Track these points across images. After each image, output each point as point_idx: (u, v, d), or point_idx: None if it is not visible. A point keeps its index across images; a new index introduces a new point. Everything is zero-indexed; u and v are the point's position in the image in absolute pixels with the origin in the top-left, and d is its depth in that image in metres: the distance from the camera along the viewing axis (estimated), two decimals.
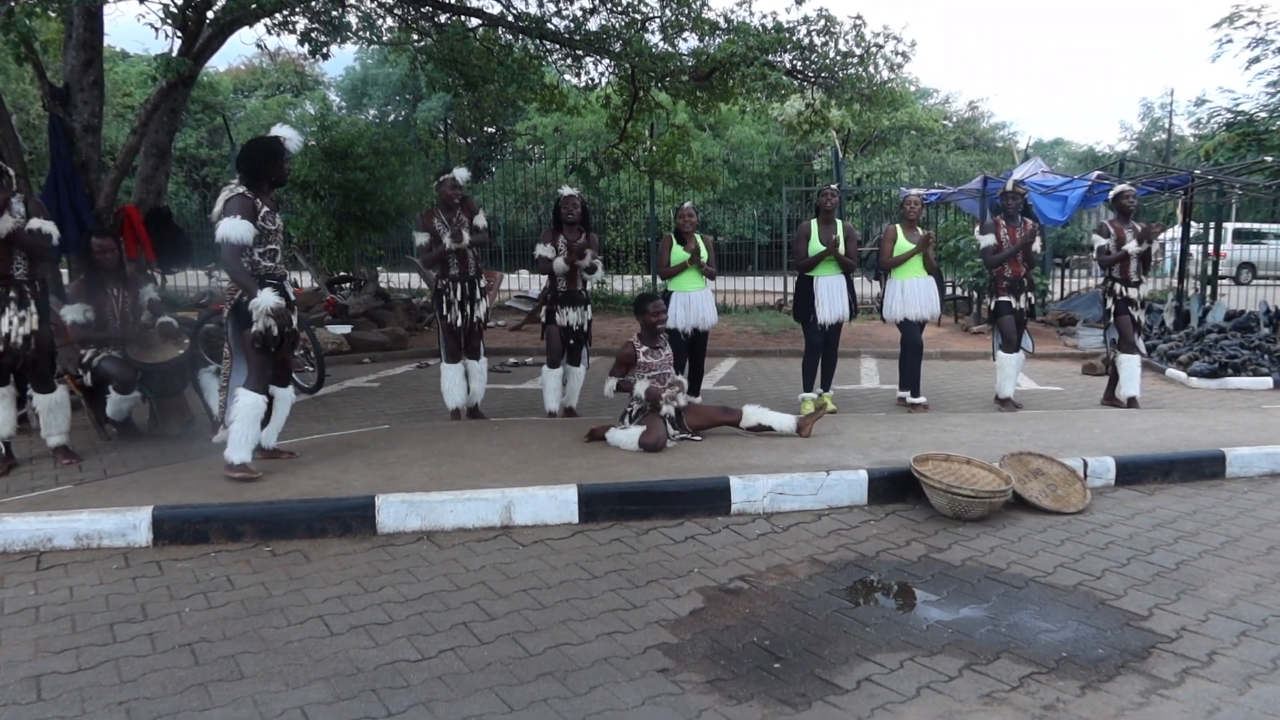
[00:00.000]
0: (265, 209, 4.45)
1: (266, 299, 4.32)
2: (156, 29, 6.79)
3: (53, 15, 6.87)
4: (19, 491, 4.40)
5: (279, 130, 4.50)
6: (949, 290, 12.92)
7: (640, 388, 5.25)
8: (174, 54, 6.40)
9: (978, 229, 7.88)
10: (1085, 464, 4.80)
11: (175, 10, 6.53)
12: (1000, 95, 72.37)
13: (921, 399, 6.82)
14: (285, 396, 4.80)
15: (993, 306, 6.98)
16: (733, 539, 4.04)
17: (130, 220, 7.54)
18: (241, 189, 4.37)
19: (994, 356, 6.99)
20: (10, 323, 4.71)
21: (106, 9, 7.20)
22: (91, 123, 7.35)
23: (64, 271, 7.88)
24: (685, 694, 2.68)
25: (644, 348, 5.42)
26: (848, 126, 24.63)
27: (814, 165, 27.32)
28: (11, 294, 4.71)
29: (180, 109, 8.56)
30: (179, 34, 6.73)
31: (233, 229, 4.27)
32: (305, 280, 13.29)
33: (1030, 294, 6.93)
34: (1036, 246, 6.84)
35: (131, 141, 7.32)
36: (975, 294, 12.99)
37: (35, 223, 4.73)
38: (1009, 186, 6.97)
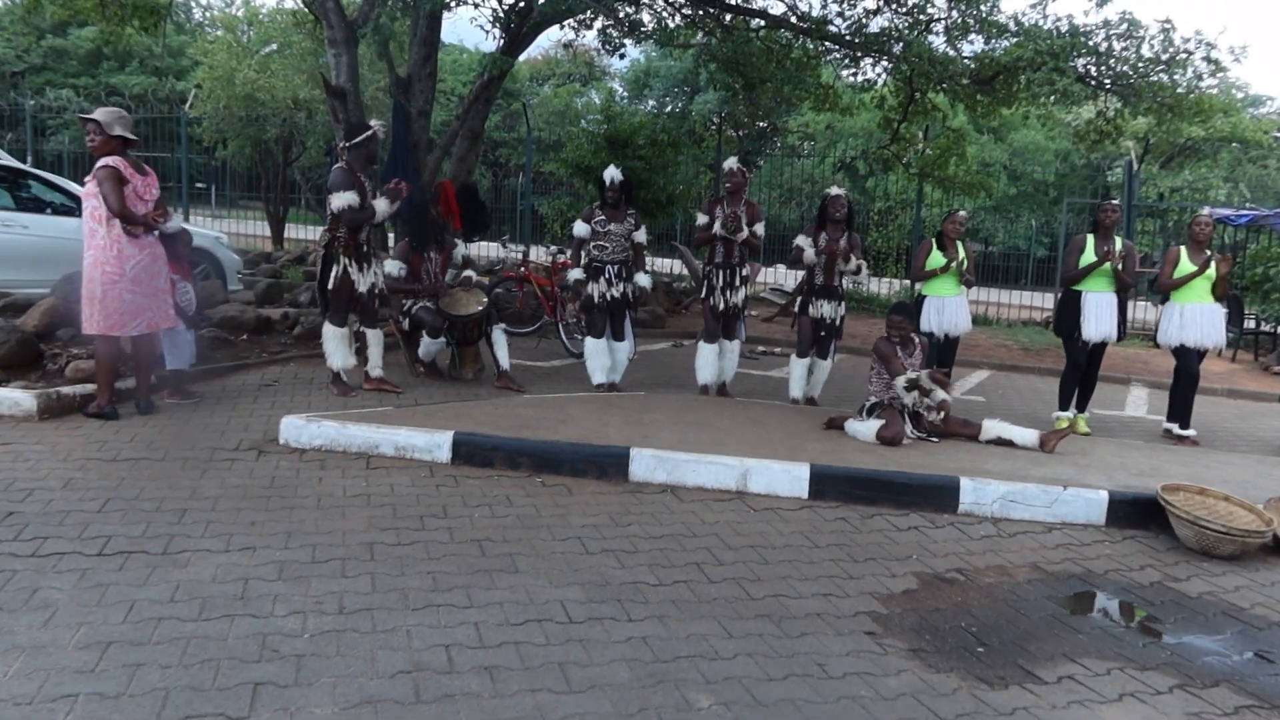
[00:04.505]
0: (601, 217, 6.39)
1: (572, 273, 6.56)
2: (487, 30, 7.82)
3: (402, 17, 8.13)
4: (353, 407, 5.44)
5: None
6: (1250, 323, 11.63)
7: (937, 398, 5.32)
8: (498, 52, 7.37)
9: None
10: None
11: (502, 15, 7.50)
12: None
13: (1191, 432, 6.39)
14: (620, 347, 6.63)
15: None
16: (956, 535, 4.17)
17: (446, 193, 8.76)
18: (594, 205, 6.50)
19: None
20: (375, 274, 5.88)
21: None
22: (425, 108, 8.61)
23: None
24: (887, 655, 2.95)
25: (896, 344, 5.56)
26: (1151, 136, 22.43)
27: (1108, 177, 25.17)
28: (368, 251, 5.81)
29: (493, 98, 9.74)
30: (504, 35, 7.72)
31: (576, 227, 6.50)
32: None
33: None
34: None
35: (455, 126, 8.50)
36: None
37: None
38: None
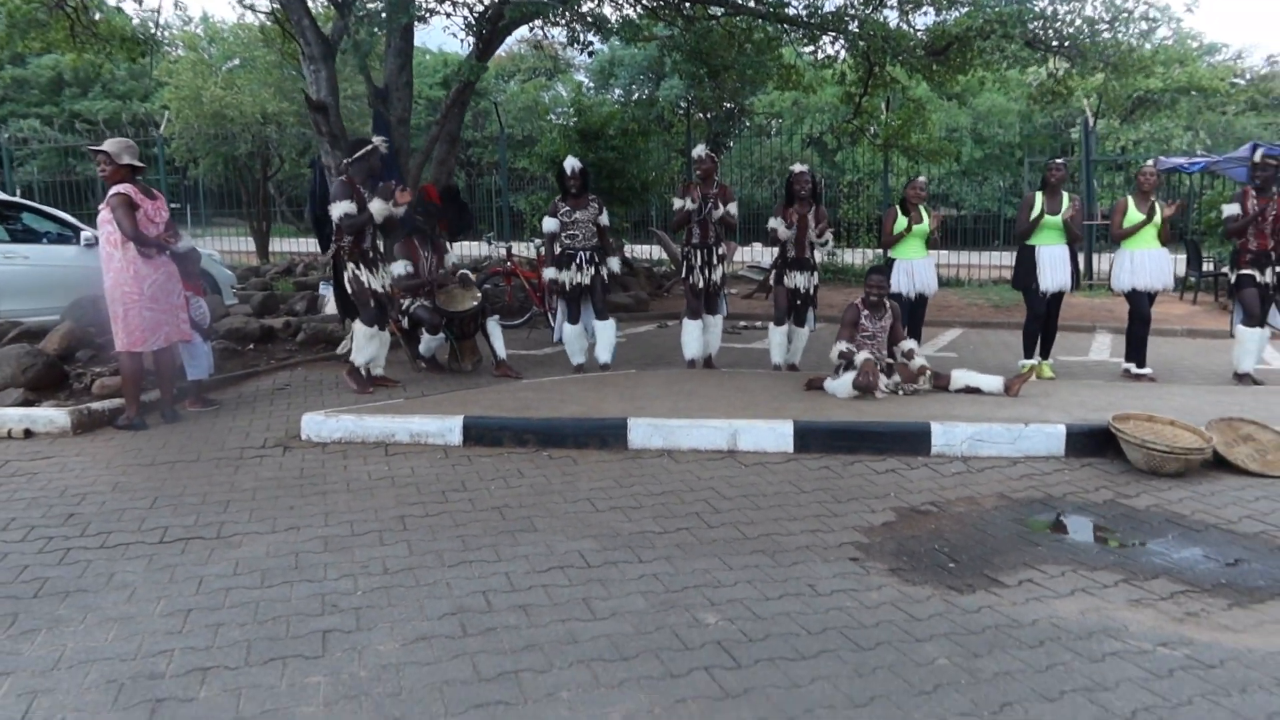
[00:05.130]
0: (566, 207, 6.67)
1: (547, 273, 6.82)
2: (461, 39, 8.14)
3: (379, 31, 8.42)
4: (369, 400, 5.79)
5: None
6: (1208, 266, 12.12)
7: (859, 357, 5.75)
8: (472, 59, 7.69)
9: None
10: None
11: (473, 23, 7.82)
12: None
13: (1147, 370, 6.84)
14: (603, 327, 6.80)
15: (1234, 280, 6.83)
16: (929, 474, 4.59)
17: (429, 196, 9.08)
18: (557, 198, 6.79)
19: (1233, 332, 6.83)
20: (382, 277, 6.21)
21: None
22: (403, 116, 8.91)
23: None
24: (869, 574, 3.35)
25: (865, 311, 5.97)
26: (1102, 92, 22.92)
27: (1072, 134, 25.68)
28: (374, 256, 6.14)
29: (467, 102, 10.05)
30: (478, 43, 8.04)
31: (545, 224, 6.78)
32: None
33: (1278, 268, 6.69)
34: None
35: (434, 132, 8.82)
36: None
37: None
38: (1257, 158, 6.75)
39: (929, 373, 5.86)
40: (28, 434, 5.17)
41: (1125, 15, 9.08)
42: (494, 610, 2.98)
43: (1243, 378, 6.70)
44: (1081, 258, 14.11)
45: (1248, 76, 32.92)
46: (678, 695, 2.46)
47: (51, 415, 5.24)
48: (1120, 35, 9.23)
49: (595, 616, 2.93)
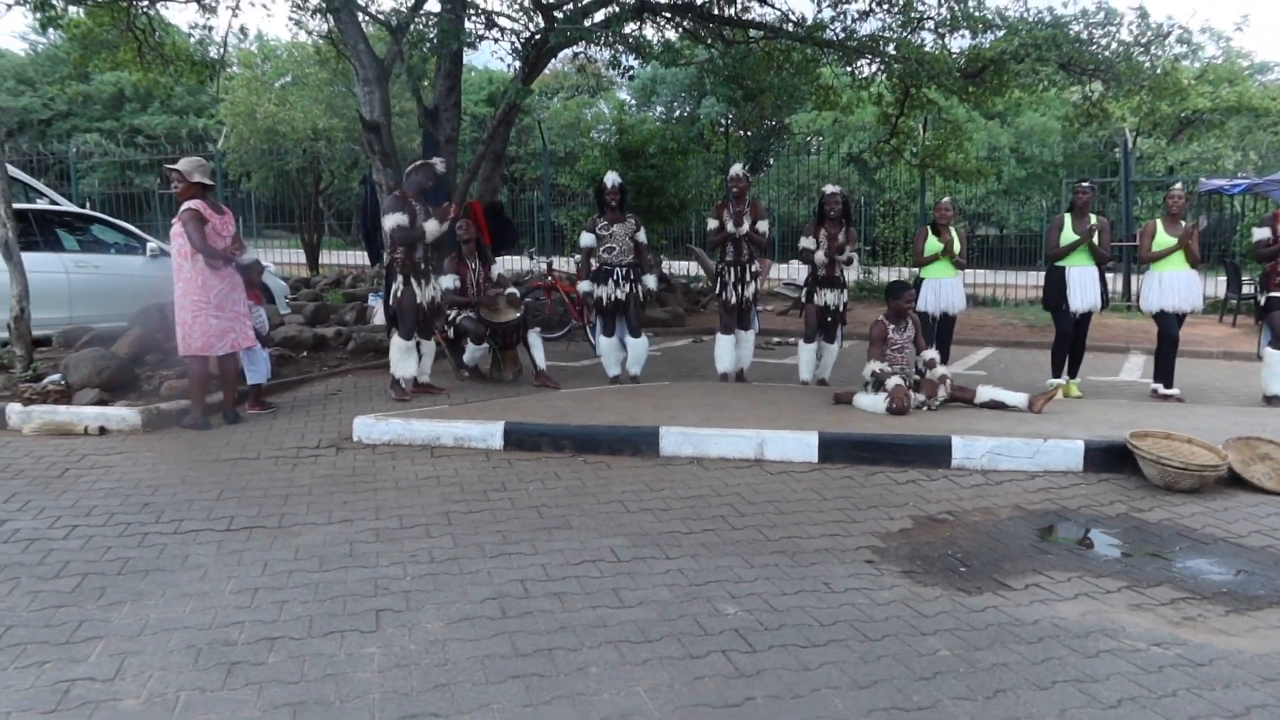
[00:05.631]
0: (604, 222, 6.93)
1: (581, 286, 7.13)
2: (508, 64, 8.50)
3: (430, 55, 8.82)
4: (416, 406, 6.12)
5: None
6: (1248, 289, 12.05)
7: (890, 382, 5.89)
8: (517, 82, 8.05)
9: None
10: None
11: (520, 48, 8.18)
12: None
13: (1175, 390, 6.92)
14: (635, 344, 7.03)
15: (1263, 302, 6.90)
16: (948, 486, 4.76)
17: (475, 213, 9.44)
18: (595, 215, 7.03)
19: (1260, 355, 6.89)
20: (433, 289, 6.57)
21: None
22: (451, 135, 9.29)
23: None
24: (882, 575, 3.55)
25: (891, 325, 6.17)
26: (1156, 110, 22.71)
27: (1115, 154, 25.47)
28: (425, 269, 6.48)
29: (513, 122, 10.42)
30: (523, 66, 8.40)
31: (582, 239, 7.02)
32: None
33: None
34: None
35: (480, 150, 9.18)
36: None
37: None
38: None
39: (949, 381, 6.03)
40: (102, 431, 5.57)
41: (1159, 39, 9.16)
42: (531, 596, 3.24)
43: (1272, 400, 6.76)
44: (1119, 279, 14.15)
45: None
46: (696, 673, 2.69)
47: (124, 414, 5.63)
48: (1156, 58, 9.31)
49: (624, 604, 3.18)
